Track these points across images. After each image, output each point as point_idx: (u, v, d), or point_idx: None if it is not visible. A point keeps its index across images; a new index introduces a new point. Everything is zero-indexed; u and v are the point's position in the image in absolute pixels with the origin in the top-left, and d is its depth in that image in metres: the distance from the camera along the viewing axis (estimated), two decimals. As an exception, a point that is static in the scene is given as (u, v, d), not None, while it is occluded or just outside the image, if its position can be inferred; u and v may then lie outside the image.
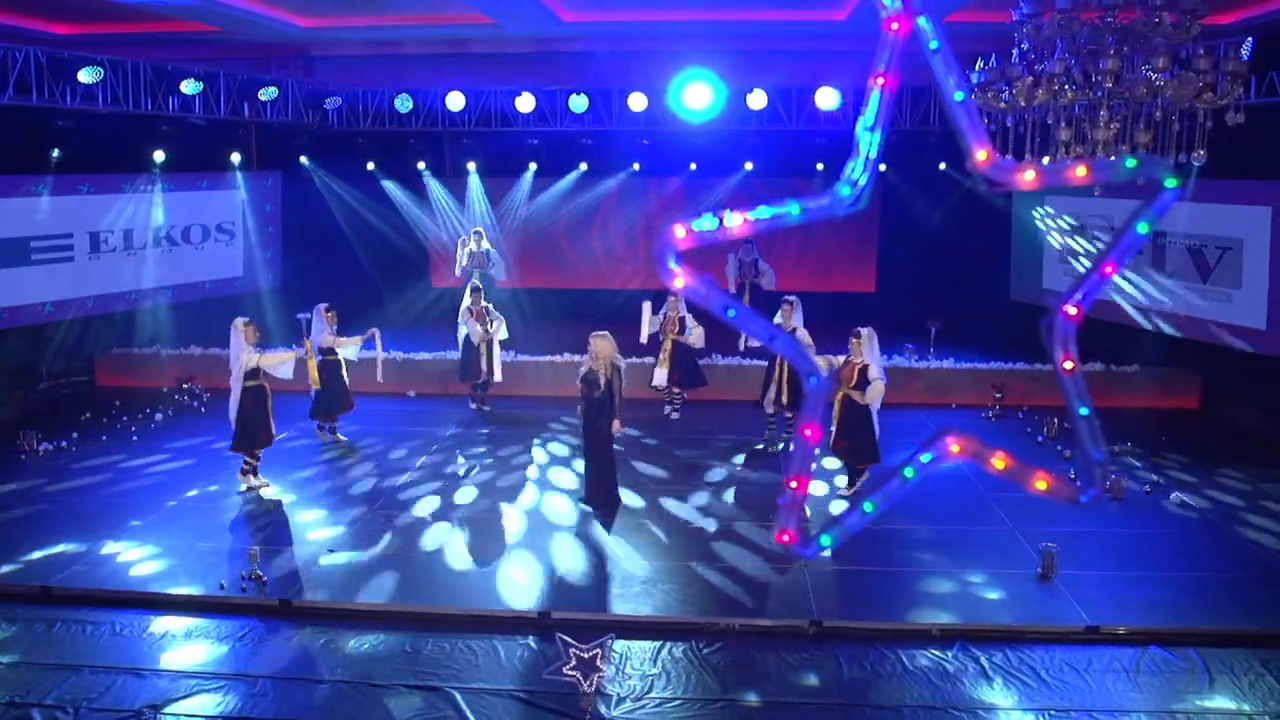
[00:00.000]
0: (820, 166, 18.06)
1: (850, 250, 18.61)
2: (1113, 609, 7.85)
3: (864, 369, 10.16)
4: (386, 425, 13.06)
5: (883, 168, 17.90)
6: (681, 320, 13.30)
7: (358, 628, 7.62)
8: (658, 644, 7.31)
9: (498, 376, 13.75)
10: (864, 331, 10.22)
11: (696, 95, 15.33)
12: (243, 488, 10.52)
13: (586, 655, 6.13)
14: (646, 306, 13.10)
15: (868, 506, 2.98)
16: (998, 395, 13.66)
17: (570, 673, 6.15)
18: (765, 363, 12.83)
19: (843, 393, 10.21)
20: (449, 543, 9.20)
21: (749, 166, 18.11)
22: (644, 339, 13.10)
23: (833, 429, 10.31)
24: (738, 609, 7.88)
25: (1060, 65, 6.49)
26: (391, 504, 10.20)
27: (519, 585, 8.32)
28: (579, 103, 16.39)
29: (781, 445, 12.17)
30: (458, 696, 6.61)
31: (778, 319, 11.74)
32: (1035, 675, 6.98)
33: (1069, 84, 6.61)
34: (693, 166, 18.34)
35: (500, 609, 7.89)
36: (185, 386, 14.54)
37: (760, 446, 12.25)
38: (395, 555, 8.92)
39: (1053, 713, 6.52)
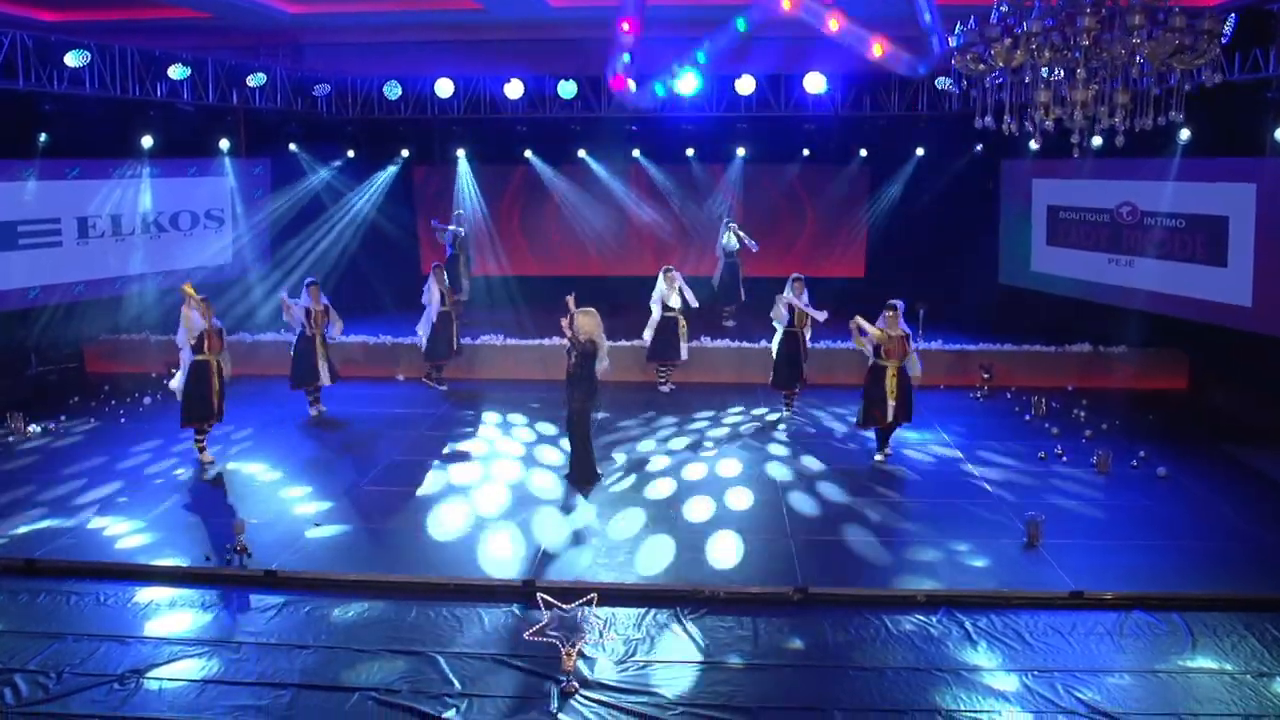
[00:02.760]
0: (806, 152, 18.08)
1: (839, 236, 18.61)
2: (1097, 576, 7.86)
3: (905, 339, 10.46)
4: (373, 407, 13.07)
5: (863, 152, 17.95)
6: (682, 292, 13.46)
7: (342, 597, 7.60)
8: (642, 610, 7.31)
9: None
10: (898, 304, 10.48)
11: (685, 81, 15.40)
12: (208, 463, 10.57)
13: (568, 616, 6.12)
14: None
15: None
16: (986, 375, 13.67)
17: (552, 634, 6.14)
18: (753, 344, 12.91)
19: (895, 366, 10.39)
20: (435, 516, 9.20)
21: (741, 153, 18.13)
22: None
23: (891, 403, 10.46)
24: (723, 577, 7.88)
25: (1038, 25, 6.48)
26: (378, 480, 10.20)
27: (504, 556, 8.32)
28: (567, 89, 16.39)
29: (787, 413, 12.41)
30: (440, 660, 6.60)
31: (787, 293, 11.92)
32: (1019, 638, 6.99)
33: (1047, 46, 6.60)
34: (690, 152, 18.35)
35: (484, 578, 7.88)
36: (173, 372, 14.46)
37: (774, 417, 12.46)
38: (381, 528, 8.92)
39: (1036, 673, 6.52)
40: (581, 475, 10.05)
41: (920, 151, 17.35)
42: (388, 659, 6.67)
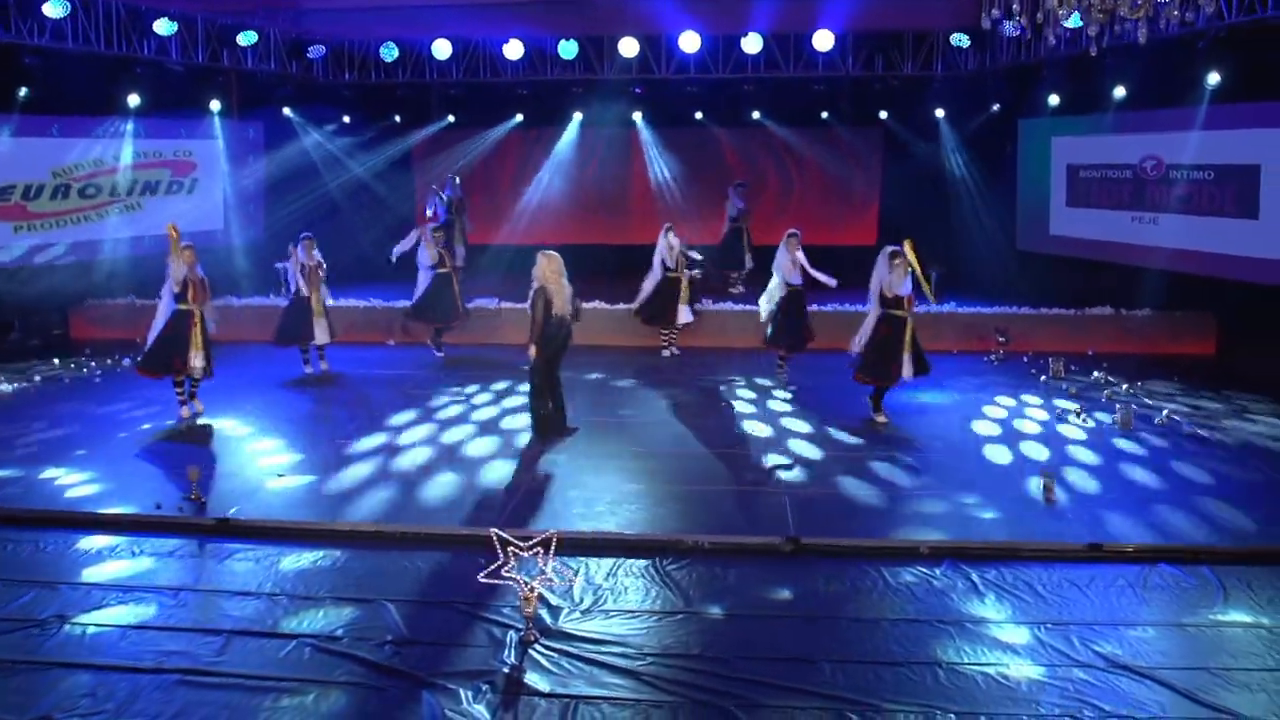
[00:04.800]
0: (825, 115, 17.42)
1: (851, 202, 17.97)
2: (1118, 529, 7.22)
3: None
4: (362, 368, 12.54)
5: (883, 114, 17.29)
6: (688, 256, 12.85)
7: (296, 545, 7.03)
8: (616, 560, 6.71)
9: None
10: (905, 250, 9.70)
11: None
12: (186, 417, 10.05)
13: (527, 554, 5.52)
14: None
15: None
16: (1001, 339, 12.99)
17: (508, 575, 5.55)
18: (755, 307, 12.26)
19: (910, 320, 9.74)
20: (408, 470, 8.64)
21: (756, 116, 17.48)
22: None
23: (905, 356, 9.71)
24: (709, 528, 7.26)
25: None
26: (354, 434, 9.64)
27: (474, 505, 7.75)
28: (568, 48, 15.83)
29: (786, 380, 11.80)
30: (390, 608, 6.02)
31: (798, 251, 11.23)
32: (1031, 591, 6.34)
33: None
34: (698, 115, 17.72)
35: (450, 527, 7.30)
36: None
37: (770, 381, 11.81)
38: (349, 480, 8.36)
39: (1049, 626, 5.87)
40: (545, 427, 9.45)
41: (940, 113, 16.65)
42: (334, 606, 6.10)
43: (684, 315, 12.93)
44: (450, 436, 9.63)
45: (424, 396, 11.09)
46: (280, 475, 8.43)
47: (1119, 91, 13.60)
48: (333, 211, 17.46)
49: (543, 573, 5.61)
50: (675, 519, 7.47)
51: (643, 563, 6.68)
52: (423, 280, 13.07)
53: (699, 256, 13.36)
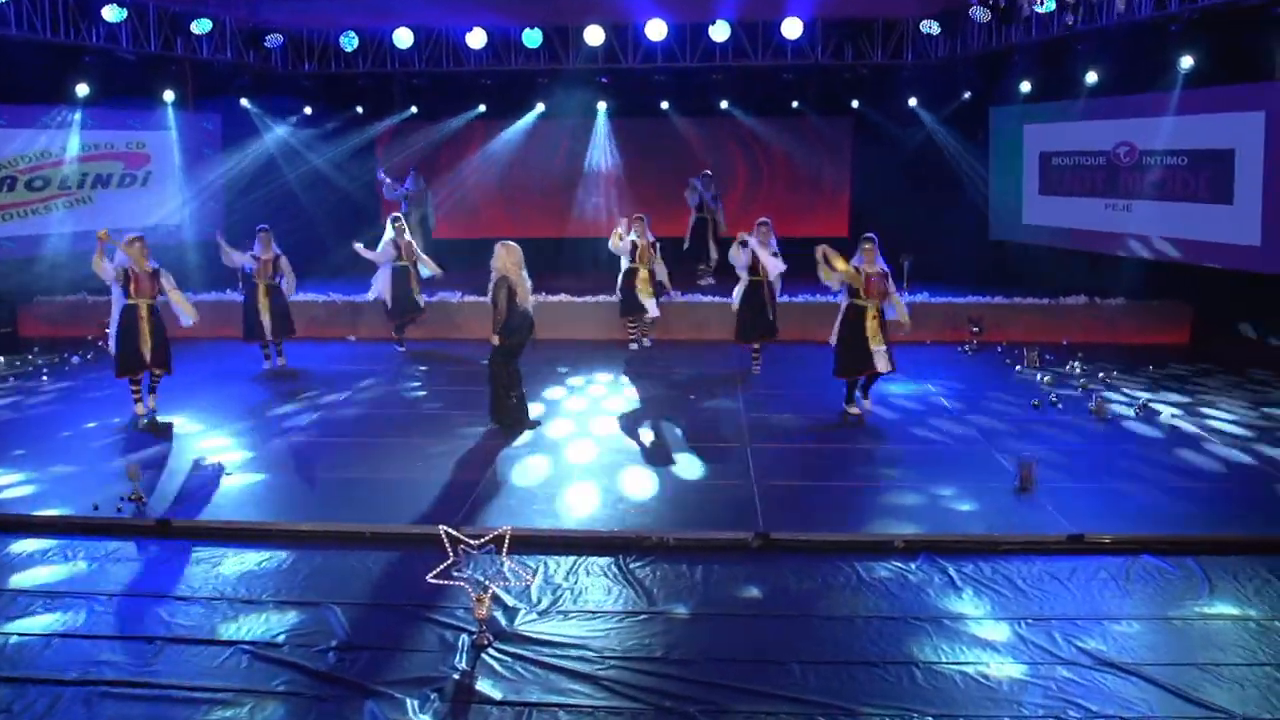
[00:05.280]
0: (795, 104, 17.16)
1: (822, 192, 17.71)
2: (1099, 519, 6.95)
3: (884, 277, 9.33)
4: (322, 364, 12.17)
5: (854, 104, 17.07)
6: (654, 246, 12.51)
7: (241, 547, 6.65)
8: (576, 558, 6.39)
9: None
10: (873, 236, 9.40)
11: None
12: (141, 415, 9.64)
13: (480, 559, 5.19)
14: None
15: None
16: (975, 329, 12.76)
17: (459, 575, 5.21)
18: (729, 299, 11.96)
19: (876, 307, 9.28)
20: (362, 466, 8.28)
21: (724, 105, 17.19)
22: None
23: (875, 349, 9.29)
24: (674, 524, 6.95)
25: None
26: (308, 431, 9.28)
27: (432, 502, 7.39)
28: (532, 37, 15.47)
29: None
30: (336, 611, 5.67)
31: (753, 238, 10.90)
32: (1011, 585, 6.07)
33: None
34: (664, 105, 17.39)
35: (403, 525, 6.94)
36: (108, 331, 13.52)
37: (741, 373, 11.54)
38: (301, 478, 8.01)
39: (1030, 621, 5.60)
40: (504, 419, 9.14)
41: (913, 102, 16.43)
42: (276, 610, 5.74)
43: (650, 309, 12.59)
44: (409, 432, 9.27)
45: (382, 395, 10.73)
46: (228, 473, 8.05)
47: (1091, 77, 13.41)
48: (293, 204, 17.01)
49: (498, 572, 5.27)
50: (639, 514, 7.15)
51: (605, 560, 6.36)
52: (381, 275, 12.71)
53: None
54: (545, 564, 6.29)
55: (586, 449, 8.69)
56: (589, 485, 7.74)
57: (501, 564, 5.31)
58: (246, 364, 11.82)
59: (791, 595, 5.96)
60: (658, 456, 8.55)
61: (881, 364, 9.33)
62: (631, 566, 6.29)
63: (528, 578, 5.91)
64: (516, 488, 7.72)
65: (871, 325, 9.29)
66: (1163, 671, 5.05)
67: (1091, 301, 13.44)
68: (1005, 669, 5.10)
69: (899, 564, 6.36)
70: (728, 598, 5.94)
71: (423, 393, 10.80)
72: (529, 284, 8.96)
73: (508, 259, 8.78)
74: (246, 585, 6.08)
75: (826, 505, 7.39)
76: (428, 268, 12.81)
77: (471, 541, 5.25)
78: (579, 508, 7.26)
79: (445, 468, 8.21)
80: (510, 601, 5.75)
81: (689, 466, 8.26)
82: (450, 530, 5.26)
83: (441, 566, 5.30)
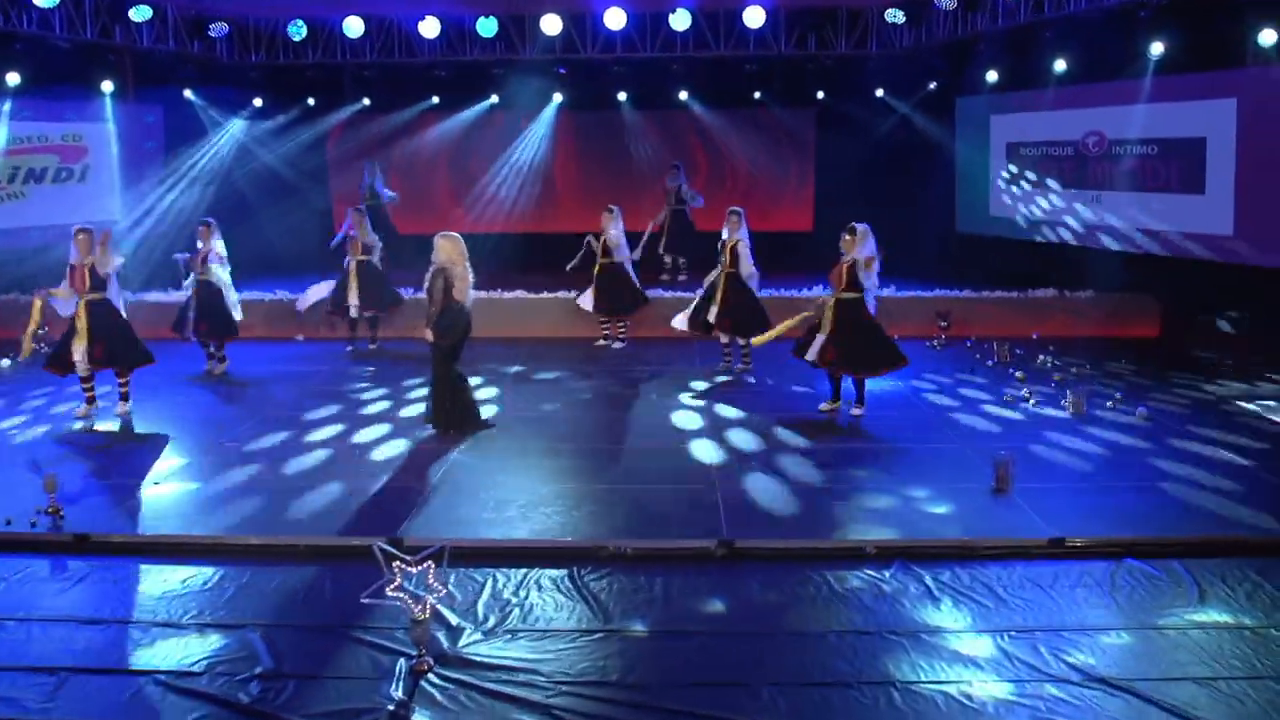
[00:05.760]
0: (757, 95, 16.78)
1: (786, 188, 17.33)
2: (1080, 521, 6.61)
3: (847, 267, 8.84)
4: (265, 365, 11.63)
5: (819, 95, 16.73)
6: (607, 244, 12.06)
7: (164, 562, 6.15)
8: (525, 570, 5.93)
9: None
10: (860, 227, 8.93)
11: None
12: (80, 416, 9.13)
13: (414, 569, 4.72)
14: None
15: None
16: (943, 324, 12.43)
17: (394, 593, 4.74)
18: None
19: (833, 299, 8.90)
20: (299, 475, 7.78)
21: (684, 96, 16.76)
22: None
23: (820, 337, 8.92)
24: (632, 532, 6.51)
25: None
26: (244, 437, 8.74)
27: (375, 512, 6.92)
28: (487, 26, 14.97)
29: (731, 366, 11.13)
30: (262, 634, 5.18)
31: (724, 230, 10.58)
32: (991, 593, 5.69)
33: None
34: (622, 96, 16.94)
35: (340, 538, 6.46)
36: (42, 332, 12.87)
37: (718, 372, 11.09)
38: (233, 487, 7.48)
39: (1014, 634, 5.22)
40: (443, 422, 8.66)
41: (880, 92, 16.11)
42: (197, 634, 5.23)
43: (583, 301, 12.19)
44: (353, 437, 8.78)
45: (325, 397, 10.20)
46: (155, 484, 7.52)
47: (1059, 65, 13.13)
48: (239, 199, 16.41)
49: (438, 589, 4.81)
50: (595, 523, 6.71)
51: (557, 573, 5.92)
52: (318, 284, 12.33)
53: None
54: (493, 577, 5.84)
55: (540, 453, 8.25)
56: (542, 491, 7.29)
57: (445, 580, 4.84)
58: (188, 364, 11.23)
59: (758, 609, 5.55)
60: (616, 459, 8.13)
61: (810, 354, 8.98)
62: (586, 579, 5.85)
63: (463, 593, 5.44)
64: (465, 494, 7.25)
65: (828, 314, 8.97)
66: (1156, 687, 4.69)
67: (1061, 294, 13.18)
68: (989, 688, 4.71)
69: (872, 572, 5.96)
70: (689, 613, 5.51)
71: (369, 394, 10.29)
72: (471, 278, 8.44)
73: (452, 249, 8.30)
74: (167, 606, 5.57)
75: (793, 510, 6.99)
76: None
77: (407, 558, 4.77)
78: (531, 515, 6.81)
79: (390, 474, 7.74)
80: (454, 620, 5.29)
81: (649, 470, 7.83)
82: (384, 546, 4.79)
83: (375, 585, 4.82)
